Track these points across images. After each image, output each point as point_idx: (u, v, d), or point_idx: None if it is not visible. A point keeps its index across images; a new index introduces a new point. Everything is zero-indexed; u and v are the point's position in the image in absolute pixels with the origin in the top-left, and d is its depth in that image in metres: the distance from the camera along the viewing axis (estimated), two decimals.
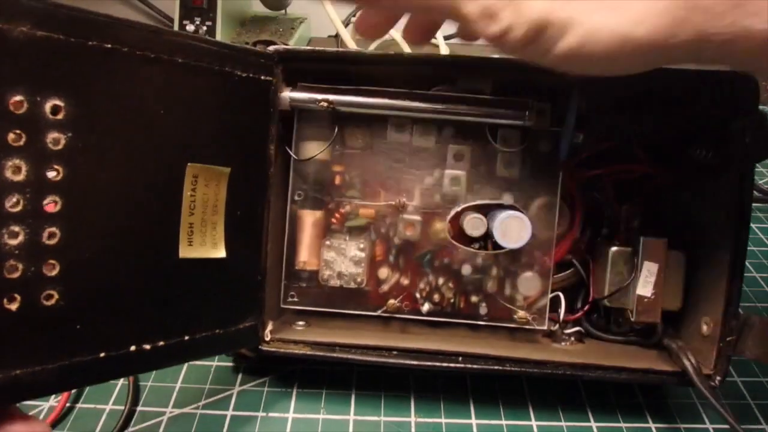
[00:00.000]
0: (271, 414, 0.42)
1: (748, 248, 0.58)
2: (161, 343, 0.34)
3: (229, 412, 0.42)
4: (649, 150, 0.39)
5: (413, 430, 0.41)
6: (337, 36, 0.73)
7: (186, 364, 0.45)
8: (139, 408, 0.42)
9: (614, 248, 0.42)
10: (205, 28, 0.79)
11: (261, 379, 0.44)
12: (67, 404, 0.42)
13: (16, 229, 0.27)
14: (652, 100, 0.38)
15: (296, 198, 0.42)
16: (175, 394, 0.43)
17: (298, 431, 0.41)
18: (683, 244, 0.42)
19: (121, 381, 0.44)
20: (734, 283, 0.37)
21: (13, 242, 0.27)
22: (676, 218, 0.45)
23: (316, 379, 0.44)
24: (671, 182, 0.41)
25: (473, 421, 0.41)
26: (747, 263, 0.56)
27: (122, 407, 0.41)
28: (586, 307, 0.44)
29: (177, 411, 0.42)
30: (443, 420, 0.42)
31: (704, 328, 0.40)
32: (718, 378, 0.38)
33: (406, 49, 0.70)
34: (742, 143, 0.36)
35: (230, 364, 0.46)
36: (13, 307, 0.27)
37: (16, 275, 0.27)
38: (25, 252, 0.27)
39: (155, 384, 0.44)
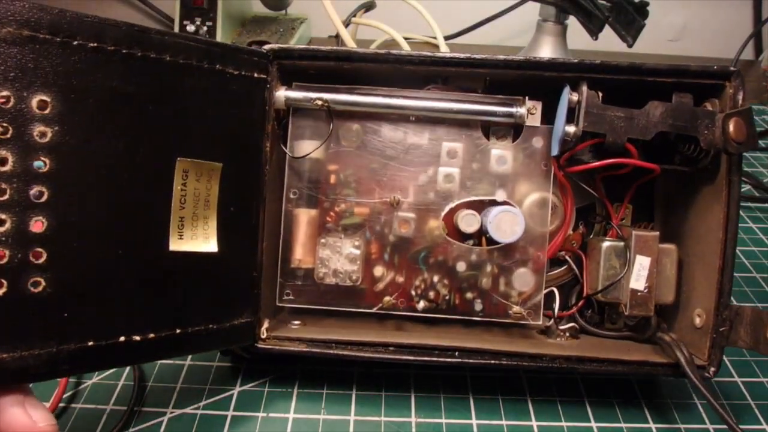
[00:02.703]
0: (271, 414, 0.42)
1: (748, 248, 0.60)
2: (152, 335, 0.34)
3: (230, 413, 0.42)
4: (639, 144, 0.39)
5: (414, 430, 0.41)
6: (337, 36, 0.74)
7: (186, 365, 0.45)
8: (140, 408, 0.42)
9: (606, 243, 0.42)
10: (205, 28, 0.80)
11: (261, 379, 0.44)
12: (61, 404, 0.42)
13: (3, 216, 0.28)
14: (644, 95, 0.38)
15: (291, 196, 0.43)
16: (175, 394, 0.43)
17: (299, 431, 0.41)
18: (675, 237, 0.43)
19: (122, 381, 0.44)
20: (725, 273, 0.38)
21: (0, 229, 0.28)
22: (668, 212, 0.45)
23: (317, 379, 0.44)
24: (662, 176, 0.41)
25: (473, 421, 0.41)
26: (747, 263, 0.57)
27: (122, 407, 0.41)
28: (581, 303, 0.44)
29: (177, 411, 0.42)
30: (443, 420, 0.41)
31: (697, 320, 0.40)
32: (712, 369, 0.38)
33: (406, 48, 0.71)
34: (727, 135, 0.36)
35: (231, 364, 0.46)
36: (0, 292, 0.28)
37: (2, 262, 0.28)
38: (11, 239, 0.28)
39: (156, 384, 0.44)
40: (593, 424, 0.41)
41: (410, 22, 0.82)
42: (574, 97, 0.39)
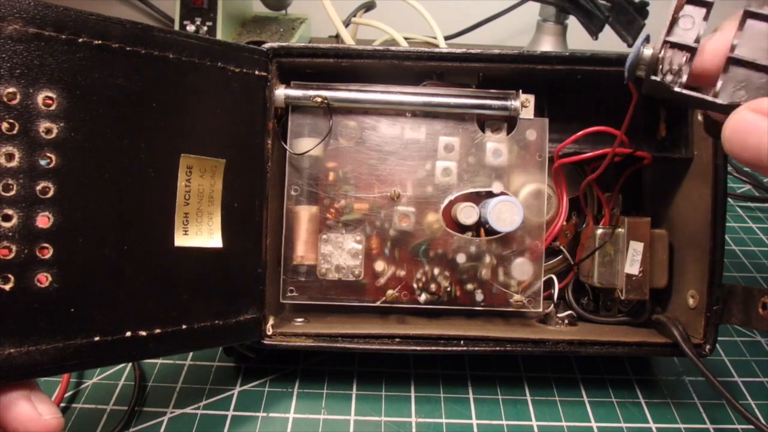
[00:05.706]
0: (271, 414, 0.42)
1: (749, 248, 0.60)
2: (158, 330, 0.34)
3: (230, 413, 0.42)
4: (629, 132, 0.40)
5: (414, 430, 0.41)
6: (337, 36, 0.74)
7: (186, 365, 0.45)
8: (140, 408, 0.42)
9: (600, 230, 0.44)
10: (205, 28, 0.79)
11: (261, 379, 0.44)
12: (62, 404, 0.41)
13: (10, 212, 0.28)
14: None
15: (292, 193, 0.43)
16: (175, 394, 0.43)
17: (299, 431, 0.41)
18: (664, 223, 0.45)
19: (122, 381, 0.43)
20: (716, 253, 0.39)
21: (7, 225, 0.28)
22: (656, 199, 0.47)
23: (317, 379, 0.44)
24: (651, 165, 0.43)
25: (473, 421, 0.42)
26: (747, 263, 0.57)
27: (122, 408, 0.41)
28: (570, 275, 0.45)
29: (178, 411, 0.42)
30: (444, 420, 0.42)
31: (690, 301, 0.41)
32: (708, 347, 0.40)
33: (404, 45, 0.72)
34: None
35: (231, 364, 0.45)
36: (7, 287, 0.28)
37: (9, 257, 0.28)
38: (18, 234, 0.28)
39: (156, 384, 0.43)
40: (593, 424, 0.42)
41: (410, 22, 0.82)
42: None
